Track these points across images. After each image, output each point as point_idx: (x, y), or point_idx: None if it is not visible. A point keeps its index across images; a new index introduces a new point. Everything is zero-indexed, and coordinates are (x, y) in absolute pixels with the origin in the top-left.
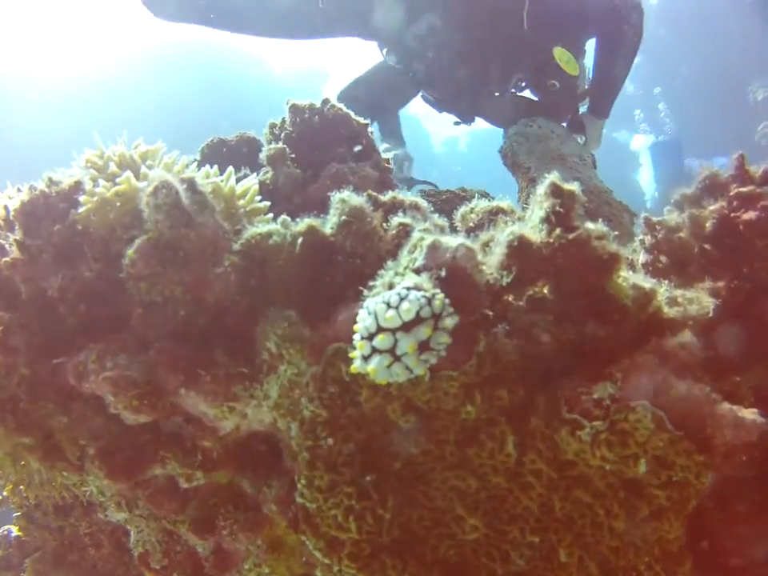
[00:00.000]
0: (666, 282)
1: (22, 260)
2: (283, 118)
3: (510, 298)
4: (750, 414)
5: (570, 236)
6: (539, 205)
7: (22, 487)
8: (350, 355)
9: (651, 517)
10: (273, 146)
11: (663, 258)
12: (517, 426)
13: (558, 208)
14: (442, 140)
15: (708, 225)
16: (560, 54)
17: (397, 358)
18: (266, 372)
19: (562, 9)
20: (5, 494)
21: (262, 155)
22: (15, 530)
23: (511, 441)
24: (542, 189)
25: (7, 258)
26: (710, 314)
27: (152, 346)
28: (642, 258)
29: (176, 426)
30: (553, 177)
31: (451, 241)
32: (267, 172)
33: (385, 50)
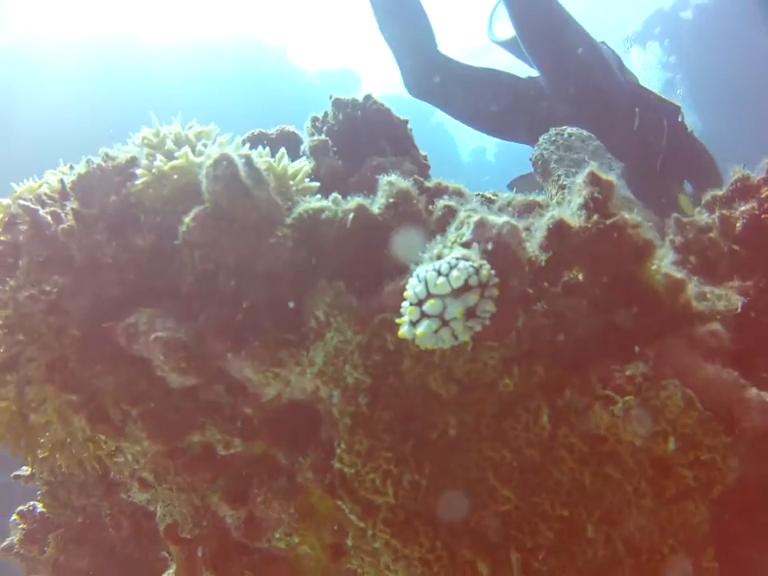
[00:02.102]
0: (696, 279)
1: (78, 228)
2: (325, 112)
3: (547, 281)
4: None
5: (608, 222)
6: (578, 193)
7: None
8: (398, 321)
9: (678, 496)
10: (316, 137)
11: (692, 258)
12: (551, 400)
13: (596, 195)
14: (470, 150)
15: (738, 225)
16: (683, 201)
17: (445, 323)
18: (312, 339)
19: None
20: (33, 468)
21: (305, 146)
22: (40, 507)
23: (546, 414)
24: (580, 178)
25: (64, 225)
26: (738, 311)
27: (201, 312)
28: (671, 257)
29: (216, 394)
30: (591, 166)
31: (497, 219)
32: (310, 162)
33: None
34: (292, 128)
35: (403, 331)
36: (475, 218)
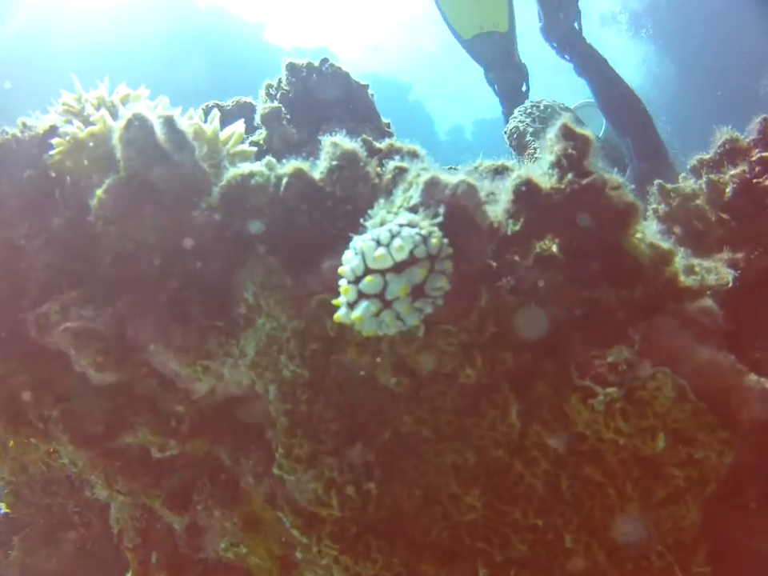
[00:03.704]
0: (682, 251)
1: None
2: (279, 78)
3: (516, 252)
4: None
5: (584, 181)
6: (549, 150)
7: None
8: (334, 303)
9: (667, 500)
10: (268, 104)
11: (677, 229)
12: (521, 393)
13: (570, 151)
14: (447, 128)
15: (728, 191)
16: None
17: (387, 304)
18: (243, 326)
19: None
20: None
21: (256, 115)
22: (3, 507)
23: (515, 409)
24: (552, 132)
25: None
26: (729, 285)
27: (121, 297)
28: (654, 227)
29: (150, 389)
30: (565, 119)
31: (451, 177)
32: (261, 133)
33: None
34: (249, 98)
35: (339, 315)
36: (425, 177)
